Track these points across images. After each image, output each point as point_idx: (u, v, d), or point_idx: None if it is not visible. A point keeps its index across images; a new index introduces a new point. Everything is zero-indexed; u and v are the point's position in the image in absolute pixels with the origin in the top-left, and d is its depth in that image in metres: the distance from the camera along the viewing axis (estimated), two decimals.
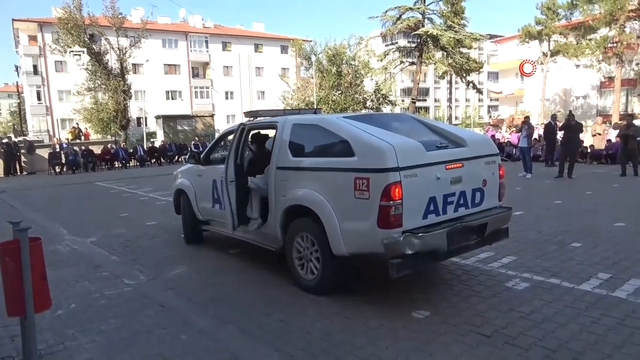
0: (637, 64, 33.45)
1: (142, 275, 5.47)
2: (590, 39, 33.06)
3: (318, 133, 4.66)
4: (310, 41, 39.00)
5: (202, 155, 6.61)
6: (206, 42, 50.93)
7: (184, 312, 4.30)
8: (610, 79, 35.25)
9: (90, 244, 7.18)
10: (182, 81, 49.76)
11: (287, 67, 45.81)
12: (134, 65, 33.45)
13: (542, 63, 38.49)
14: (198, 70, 51.61)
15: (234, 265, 5.73)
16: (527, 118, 15.29)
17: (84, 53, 26.95)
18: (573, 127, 13.02)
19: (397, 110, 37.24)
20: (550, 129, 15.85)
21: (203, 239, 6.88)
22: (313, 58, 36.11)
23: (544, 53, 38.34)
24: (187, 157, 7.62)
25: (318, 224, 4.33)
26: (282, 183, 4.80)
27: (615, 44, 31.98)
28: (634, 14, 31.14)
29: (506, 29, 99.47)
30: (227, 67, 51.91)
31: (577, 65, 36.02)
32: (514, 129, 23.89)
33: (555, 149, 16.07)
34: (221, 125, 37.22)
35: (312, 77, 34.98)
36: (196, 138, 28.01)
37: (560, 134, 15.29)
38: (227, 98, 52.01)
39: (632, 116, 13.74)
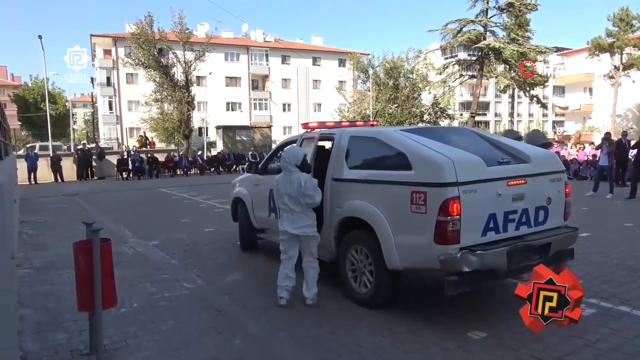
0: None
1: (200, 279, 5.65)
2: None
3: (375, 145, 4.66)
4: (368, 54, 39.14)
5: (260, 165, 6.78)
6: (266, 55, 52.36)
7: (238, 318, 4.40)
8: None
9: (152, 247, 7.52)
10: (242, 93, 51.33)
11: (344, 80, 46.13)
12: (197, 77, 34.90)
13: (613, 77, 36.43)
14: (258, 82, 53.09)
15: None
16: (608, 134, 14.43)
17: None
18: None
19: (455, 124, 36.45)
20: (620, 146, 14.91)
21: (258, 246, 7.02)
22: (370, 71, 36.16)
23: (615, 66, 36.29)
24: (245, 166, 7.84)
25: (373, 237, 4.31)
26: (337, 194, 4.83)
27: None
28: None
29: (574, 42, 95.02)
30: (285, 79, 53.05)
31: None
32: (581, 145, 22.67)
33: (627, 168, 15.08)
34: (278, 137, 37.96)
35: (369, 90, 35.00)
36: (252, 148, 28.72)
37: (633, 152, 14.34)
38: (284, 110, 53.07)
39: None
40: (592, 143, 23.89)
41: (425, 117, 35.14)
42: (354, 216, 4.57)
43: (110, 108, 47.61)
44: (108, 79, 47.51)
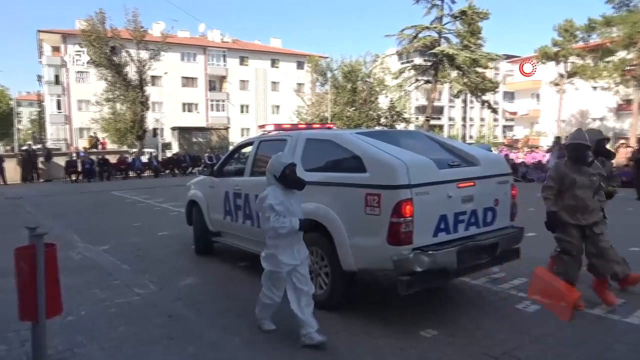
0: None
1: (152, 284, 5.50)
2: (608, 62, 32.77)
3: (331, 148, 4.70)
4: (327, 57, 39.39)
5: (215, 168, 6.68)
6: (224, 56, 51.71)
7: (192, 323, 4.31)
8: (628, 101, 34.84)
9: (102, 252, 7.26)
10: (199, 94, 50.45)
11: (303, 83, 46.23)
12: (152, 77, 34.03)
13: (558, 84, 38.29)
14: (215, 83, 52.34)
15: (243, 278, 5.75)
16: (558, 138, 15.12)
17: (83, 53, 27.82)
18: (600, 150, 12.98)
19: (411, 127, 37.24)
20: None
21: (214, 250, 6.91)
22: (328, 74, 36.40)
23: (560, 74, 38.16)
24: (200, 168, 7.71)
25: (328, 238, 4.34)
26: None
27: (633, 67, 31.69)
28: None
29: (523, 50, 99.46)
30: (243, 81, 52.58)
31: (594, 87, 35.70)
32: (529, 149, 23.70)
33: None
34: (236, 138, 37.54)
35: (327, 93, 35.22)
36: (209, 150, 28.28)
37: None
38: (242, 111, 52.56)
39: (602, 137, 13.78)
40: (538, 147, 25.02)
41: (382, 120, 35.71)
42: (310, 218, 4.57)
43: (59, 107, 45.62)
44: (57, 77, 45.51)
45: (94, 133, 32.82)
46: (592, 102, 39.05)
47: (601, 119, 39.59)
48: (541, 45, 37.92)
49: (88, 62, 28.45)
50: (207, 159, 23.59)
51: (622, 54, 31.91)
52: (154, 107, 38.46)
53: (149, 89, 31.39)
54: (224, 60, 51.79)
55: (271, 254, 3.83)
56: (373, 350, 3.66)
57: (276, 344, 3.83)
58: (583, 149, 4.48)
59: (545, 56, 37.21)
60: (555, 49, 36.65)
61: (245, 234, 5.81)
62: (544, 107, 44.77)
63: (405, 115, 37.35)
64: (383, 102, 36.45)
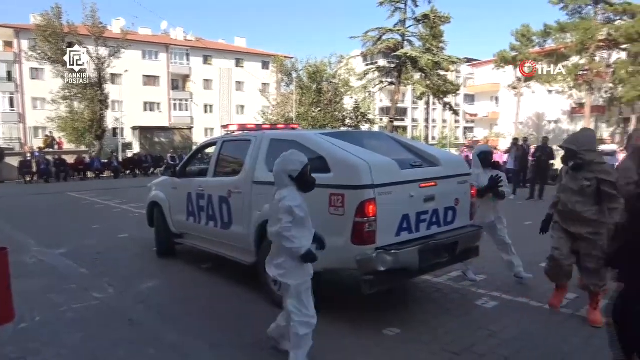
0: (606, 92, 34.70)
1: (112, 288, 5.35)
2: (562, 66, 34.23)
3: (295, 149, 4.68)
4: (292, 58, 39.34)
5: (178, 168, 6.56)
6: (187, 55, 50.77)
7: (154, 327, 4.23)
8: (581, 105, 36.50)
9: (59, 255, 6.99)
10: (161, 93, 49.34)
11: (268, 83, 46.00)
12: (112, 75, 33.03)
13: (516, 88, 39.63)
14: (178, 82, 51.33)
15: (206, 280, 5.67)
16: (516, 140, 15.63)
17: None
18: (545, 150, 13.47)
19: (376, 128, 37.67)
20: (522, 151, 16.26)
21: (176, 252, 6.78)
22: (294, 74, 36.38)
23: (518, 78, 39.49)
24: (162, 169, 7.56)
25: None
26: (258, 197, 4.81)
27: (585, 72, 33.20)
28: (603, 44, 32.47)
29: (483, 54, 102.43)
30: (207, 80, 51.76)
31: (550, 91, 37.17)
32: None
33: (527, 172, 16.48)
34: (199, 139, 36.94)
35: (292, 93, 35.19)
36: (172, 150, 27.72)
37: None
38: (206, 111, 51.75)
39: (546, 139, 14.51)
40: (497, 148, 25.79)
41: (347, 121, 35.96)
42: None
43: (12, 105, 43.60)
44: (9, 73, 43.48)
45: (50, 132, 31.55)
46: (548, 105, 40.63)
47: (556, 122, 41.27)
48: (500, 49, 39.18)
49: (43, 59, 27.35)
50: (169, 160, 23.09)
51: (575, 59, 33.40)
52: (114, 106, 37.34)
53: (109, 87, 30.46)
54: (187, 59, 50.86)
55: (293, 265, 3.27)
56: (339, 349, 3.69)
57: (241, 345, 3.80)
58: (568, 153, 4.19)
59: (503, 60, 38.44)
60: (513, 54, 37.90)
61: (209, 236, 5.74)
62: (502, 110, 46.24)
63: (370, 117, 37.75)
64: (348, 103, 36.73)
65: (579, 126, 38.10)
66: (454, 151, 30.21)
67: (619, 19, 32.26)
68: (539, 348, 3.66)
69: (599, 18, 32.73)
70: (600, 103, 35.70)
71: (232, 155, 5.77)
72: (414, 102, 61.70)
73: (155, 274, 5.96)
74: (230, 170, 5.60)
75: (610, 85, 33.34)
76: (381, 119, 45.49)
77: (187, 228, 6.18)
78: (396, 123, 44.91)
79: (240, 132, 6.11)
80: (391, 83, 37.65)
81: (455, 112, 40.30)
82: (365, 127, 36.21)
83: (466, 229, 4.70)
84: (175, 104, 50.26)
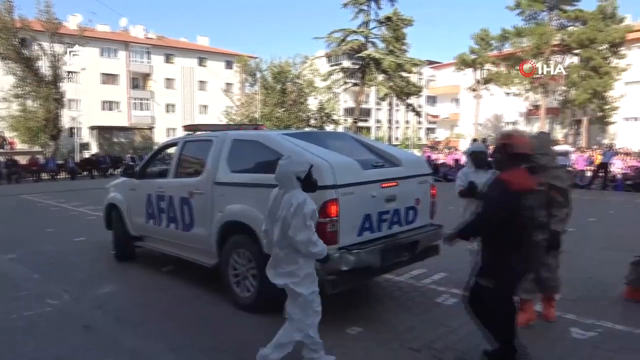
0: (560, 95, 36.15)
1: (67, 294, 5.16)
2: (519, 70, 35.43)
3: (258, 149, 4.67)
4: (256, 58, 39.08)
5: (137, 169, 6.40)
6: (148, 53, 49.53)
7: (112, 332, 4.11)
8: (537, 107, 37.86)
9: (9, 261, 6.69)
10: (121, 92, 47.94)
11: (232, 83, 45.49)
12: (69, 73, 31.88)
13: (475, 90, 40.74)
14: (138, 81, 50.01)
15: (166, 283, 5.56)
16: (474, 141, 16.05)
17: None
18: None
19: (340, 129, 37.92)
20: None
21: (135, 255, 6.61)
22: (258, 74, 36.13)
23: (477, 80, 40.63)
24: (121, 170, 7.35)
25: (255, 240, 4.31)
26: (219, 198, 4.75)
27: (541, 75, 34.51)
28: (557, 49, 33.83)
29: (444, 57, 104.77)
30: (169, 79, 50.65)
31: (508, 93, 38.42)
32: (448, 151, 24.98)
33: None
34: (161, 139, 36.16)
35: (257, 94, 34.95)
36: (131, 151, 27.02)
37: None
38: (168, 111, 50.64)
39: (484, 140, 15.20)
40: (457, 148, 26.47)
41: (312, 121, 36.03)
42: (236, 220, 4.53)
43: None
44: None
45: (1, 132, 30.16)
46: (506, 107, 41.96)
47: (513, 123, 42.62)
48: (460, 52, 40.18)
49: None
50: (129, 160, 22.54)
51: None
52: (71, 104, 36.06)
53: (65, 86, 29.39)
54: (148, 57, 49.62)
55: (308, 273, 3.22)
56: (299, 350, 3.68)
57: (202, 348, 3.75)
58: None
59: (463, 63, 39.46)
60: (473, 57, 38.96)
61: (170, 238, 5.62)
62: (463, 111, 47.42)
63: (334, 117, 37.93)
64: (312, 103, 36.79)
65: (535, 127, 39.59)
66: (416, 152, 30.76)
67: (572, 25, 33.71)
68: (492, 342, 3.76)
69: (553, 24, 34.09)
70: (555, 105, 37.16)
71: (193, 156, 5.68)
72: (377, 103, 62.45)
73: (113, 278, 5.79)
74: (191, 171, 5.52)
75: (564, 88, 34.76)
76: (345, 120, 45.79)
77: (147, 230, 6.04)
78: (360, 124, 45.33)
79: (202, 133, 6.02)
80: (355, 84, 38.00)
81: (418, 113, 41.10)
82: (329, 127, 36.37)
83: (426, 227, 4.80)
84: (135, 103, 48.96)
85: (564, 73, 32.91)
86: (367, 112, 61.91)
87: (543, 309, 4.29)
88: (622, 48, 31.63)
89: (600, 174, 17.58)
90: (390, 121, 61.68)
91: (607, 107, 32.90)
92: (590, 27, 31.28)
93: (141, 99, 49.33)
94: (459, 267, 5.95)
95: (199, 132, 6.07)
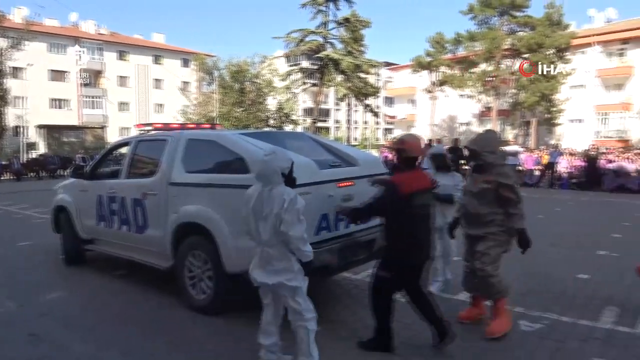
0: (510, 97, 37.57)
1: (11, 301, 4.90)
2: (472, 72, 36.60)
3: (214, 149, 4.60)
4: (213, 56, 38.52)
5: (87, 170, 6.17)
6: (100, 49, 47.78)
7: (60, 340, 3.94)
8: (489, 109, 39.20)
9: None
10: (70, 89, 45.98)
11: (189, 81, 44.63)
12: (14, 69, 30.33)
13: (431, 91, 41.74)
14: (89, 78, 48.15)
15: (119, 287, 5.38)
16: (430, 141, 16.40)
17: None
18: (456, 151, 14.39)
19: (299, 129, 37.94)
20: None
21: (86, 259, 6.37)
22: (215, 73, 35.63)
23: (433, 82, 41.62)
24: (70, 170, 7.06)
25: (211, 241, 4.25)
26: (174, 199, 4.65)
27: (492, 78, 35.75)
28: (507, 53, 35.16)
29: (401, 59, 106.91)
30: (122, 77, 49.02)
31: (461, 95, 39.59)
32: None
33: None
34: (114, 138, 34.98)
35: (214, 93, 34.44)
36: (82, 151, 26.00)
37: None
38: (121, 110, 48.99)
39: (457, 140, 15.84)
40: None
41: (271, 121, 35.89)
42: (192, 221, 4.45)
43: None
44: None
45: None
46: (460, 109, 43.23)
47: (467, 124, 43.99)
48: (416, 55, 41.05)
49: None
50: (80, 160, 21.65)
51: (483, 66, 35.88)
52: (16, 102, 34.30)
53: (9, 82, 27.93)
54: (100, 54, 47.91)
55: (298, 267, 3.22)
56: (257, 351, 3.65)
57: (155, 352, 3.66)
58: (471, 154, 4.17)
59: (419, 65, 40.30)
60: (428, 59, 39.88)
61: (122, 240, 5.45)
62: (419, 112, 48.46)
63: (293, 117, 37.94)
64: (271, 103, 36.65)
65: (487, 128, 41.00)
66: (374, 152, 31.16)
67: (521, 31, 35.12)
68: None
69: (504, 29, 35.37)
70: (505, 107, 38.58)
71: (147, 156, 5.53)
72: (336, 104, 62.79)
73: (61, 283, 5.56)
74: (145, 172, 5.36)
75: (514, 90, 36.15)
76: (304, 120, 45.87)
77: (98, 233, 5.83)
78: (319, 124, 45.54)
79: (156, 132, 5.86)
80: (314, 84, 38.13)
81: (376, 114, 41.67)
82: (288, 127, 36.34)
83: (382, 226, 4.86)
84: (86, 101, 47.08)
85: (514, 76, 34.33)
86: (326, 113, 62.21)
87: (471, 305, 4.30)
88: (567, 53, 33.24)
89: (547, 173, 18.42)
90: (349, 121, 62.20)
91: (554, 109, 34.48)
92: (538, 32, 32.68)
93: (93, 97, 47.51)
94: None
95: (152, 132, 5.91)
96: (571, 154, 20.82)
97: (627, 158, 18.18)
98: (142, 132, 6.06)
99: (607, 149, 23.18)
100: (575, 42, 33.37)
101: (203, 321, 4.25)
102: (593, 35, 36.89)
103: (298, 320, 3.21)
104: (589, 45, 36.00)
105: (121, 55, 48.97)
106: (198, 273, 4.46)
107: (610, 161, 17.87)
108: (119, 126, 46.57)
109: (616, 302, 4.70)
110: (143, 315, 4.45)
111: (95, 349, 3.73)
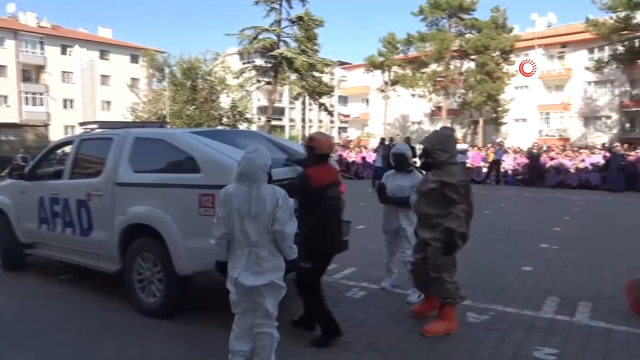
0: (459, 97, 38.83)
1: None
2: (423, 73, 37.54)
3: (162, 148, 4.48)
4: (164, 52, 37.46)
5: (27, 170, 5.85)
6: (41, 43, 45.44)
7: None
8: (439, 108, 40.33)
9: None
10: (9, 85, 43.51)
11: (138, 78, 43.21)
12: None
13: (383, 91, 42.46)
14: (30, 73, 45.69)
15: (63, 292, 5.14)
16: (383, 140, 16.62)
17: None
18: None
19: (254, 128, 37.57)
20: (389, 151, 17.54)
21: (27, 264, 6.03)
22: (166, 70, 34.66)
23: (385, 82, 42.36)
24: (8, 171, 6.67)
25: (161, 243, 4.14)
26: (121, 200, 4.49)
27: (442, 78, 36.82)
28: (456, 54, 36.31)
29: (354, 58, 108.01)
30: (66, 72, 46.79)
31: (413, 95, 40.53)
32: (358, 149, 25.79)
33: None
34: (58, 137, 33.33)
35: (165, 90, 33.50)
36: (22, 150, 24.61)
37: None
38: (65, 107, 46.85)
39: (408, 139, 16.49)
40: (367, 147, 27.48)
41: (224, 120, 35.29)
42: (140, 222, 4.31)
43: None
44: None
45: None
46: (412, 108, 44.25)
47: (419, 123, 45.12)
48: (369, 54, 41.61)
49: None
50: (20, 160, 20.52)
51: (433, 67, 36.89)
52: None
53: None
54: (42, 48, 45.55)
55: (284, 266, 3.18)
56: (211, 352, 3.60)
57: (98, 357, 3.52)
58: (422, 151, 4.19)
59: (372, 65, 40.89)
60: (381, 59, 40.53)
61: (66, 244, 5.20)
62: (372, 111, 49.22)
63: (248, 116, 37.49)
64: (225, 101, 36.05)
65: (438, 127, 42.18)
66: None
67: (469, 33, 36.37)
68: (399, 332, 3.97)
69: (452, 30, 36.50)
70: (455, 107, 39.82)
71: (91, 155, 5.31)
72: (291, 102, 62.79)
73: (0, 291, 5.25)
74: (89, 172, 5.15)
75: (462, 91, 37.39)
76: (259, 118, 45.48)
77: (40, 237, 5.54)
78: (274, 122, 45.31)
79: (101, 130, 5.64)
80: (268, 82, 37.85)
81: (330, 113, 41.87)
82: (243, 126, 35.88)
83: None
84: (27, 98, 44.72)
85: (463, 77, 35.53)
86: (280, 111, 62.02)
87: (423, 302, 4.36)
88: (511, 55, 34.73)
89: (493, 171, 19.19)
90: (303, 120, 62.22)
91: (500, 109, 35.92)
92: (484, 35, 33.96)
93: (34, 93, 45.20)
94: (369, 261, 6.19)
95: (97, 130, 5.67)
96: (516, 152, 21.75)
97: (566, 156, 19.22)
98: (86, 130, 5.80)
99: (548, 147, 24.40)
100: (519, 44, 34.91)
101: (154, 325, 4.13)
102: (535, 38, 38.80)
103: (266, 326, 3.10)
104: (531, 47, 37.79)
105: (64, 50, 46.78)
106: (148, 276, 4.33)
107: (552, 158, 18.84)
108: (63, 124, 44.52)
109: (557, 292, 4.96)
110: (90, 321, 4.27)
111: (37, 359, 3.55)
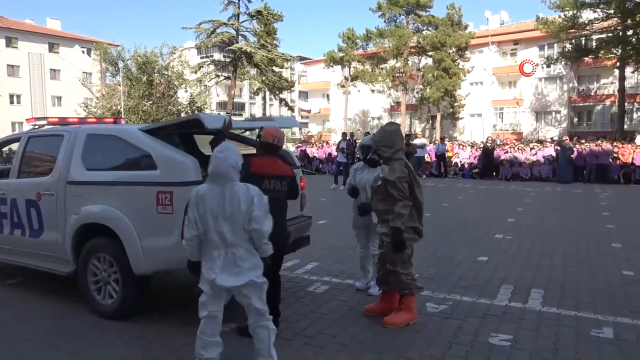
0: (417, 92, 39.58)
1: None
2: (382, 68, 38.02)
3: (117, 145, 4.34)
4: (117, 46, 36.23)
5: None
6: None
7: None
8: (398, 103, 40.97)
9: None
10: None
11: (90, 72, 41.56)
12: None
13: (344, 86, 42.72)
14: None
15: (12, 297, 4.91)
16: (345, 135, 16.67)
17: None
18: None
19: None
20: (350, 145, 17.66)
21: None
22: (120, 64, 33.57)
23: (345, 77, 42.62)
24: None
25: (117, 243, 4.02)
26: (73, 199, 4.33)
27: (401, 74, 37.40)
28: (414, 50, 36.96)
29: (315, 53, 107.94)
30: (12, 66, 44.43)
31: (373, 90, 40.97)
32: (320, 145, 25.86)
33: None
34: (4, 134, 31.67)
35: (120, 85, 32.44)
36: None
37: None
38: (12, 102, 44.50)
39: (409, 135, 16.56)
40: (328, 142, 27.59)
41: (183, 115, 34.56)
42: (95, 222, 4.17)
43: None
44: None
45: None
46: (372, 103, 44.72)
47: (379, 118, 45.63)
48: (329, 50, 41.73)
49: None
50: None
51: (392, 62, 37.41)
52: None
53: None
54: None
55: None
56: (171, 352, 3.53)
57: None
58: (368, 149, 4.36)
59: (332, 60, 41.05)
60: (340, 54, 40.73)
61: (14, 246, 4.95)
62: (333, 106, 49.42)
63: (207, 111, 36.86)
64: (183, 96, 35.29)
65: (397, 121, 42.85)
66: (290, 146, 31.27)
67: (426, 29, 37.08)
68: (361, 324, 4.02)
69: (410, 27, 37.12)
70: (414, 102, 40.56)
71: (41, 153, 5.08)
72: (251, 97, 62.09)
73: None
74: (39, 170, 4.92)
75: (421, 86, 38.12)
76: (219, 114, 44.81)
77: None
78: (234, 118, 44.70)
79: (51, 127, 5.40)
80: (227, 77, 37.35)
81: (291, 108, 41.79)
82: None
83: (298, 219, 4.90)
84: None
85: (421, 72, 36.22)
86: (241, 106, 61.24)
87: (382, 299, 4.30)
88: (467, 52, 35.69)
89: (441, 164, 19.71)
90: (264, 115, 61.75)
91: (456, 104, 36.88)
92: (440, 32, 34.73)
93: None
94: (331, 255, 6.24)
95: (47, 126, 5.43)
96: (471, 146, 22.40)
97: (519, 149, 19.96)
98: (34, 126, 5.55)
99: (501, 141, 25.26)
100: (473, 41, 35.93)
101: (111, 327, 4.01)
102: (489, 35, 40.00)
103: (260, 321, 3.07)
104: (485, 45, 38.94)
105: (10, 42, 44.43)
106: (104, 277, 4.19)
107: (505, 152, 19.52)
108: (10, 120, 42.31)
109: (511, 280, 5.16)
110: (43, 326, 4.10)
111: None
